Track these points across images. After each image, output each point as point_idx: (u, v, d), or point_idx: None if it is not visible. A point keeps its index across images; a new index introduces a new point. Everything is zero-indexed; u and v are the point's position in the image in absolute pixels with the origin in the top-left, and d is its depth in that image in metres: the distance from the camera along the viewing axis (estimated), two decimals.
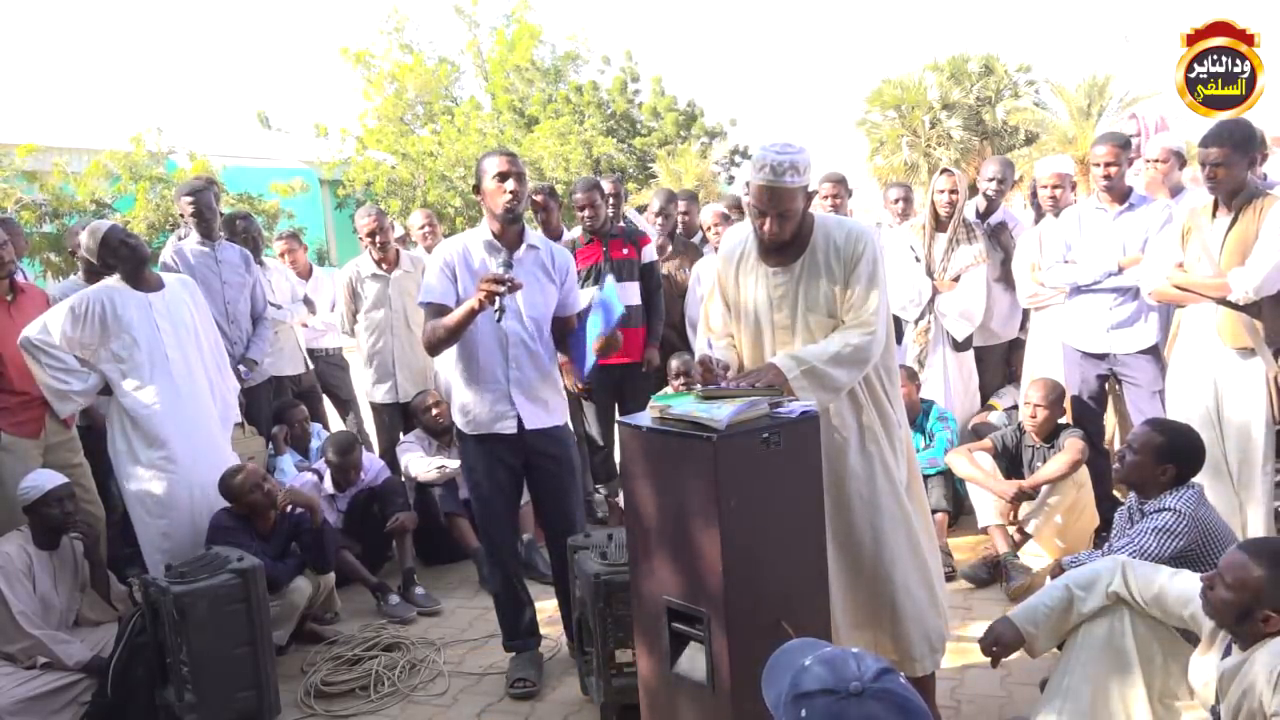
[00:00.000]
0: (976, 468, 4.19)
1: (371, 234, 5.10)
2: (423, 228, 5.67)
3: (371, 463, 4.79)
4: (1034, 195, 5.17)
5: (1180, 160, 4.84)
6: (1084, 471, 4.07)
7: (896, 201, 5.72)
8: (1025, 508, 4.11)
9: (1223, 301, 3.57)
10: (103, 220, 3.96)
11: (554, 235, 4.93)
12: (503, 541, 3.46)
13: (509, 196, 3.20)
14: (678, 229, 5.64)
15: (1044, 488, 4.03)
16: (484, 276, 3.06)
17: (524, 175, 3.25)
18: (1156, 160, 4.67)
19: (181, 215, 4.82)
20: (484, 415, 3.32)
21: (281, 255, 6.01)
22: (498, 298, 3.01)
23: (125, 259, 3.83)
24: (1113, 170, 4.13)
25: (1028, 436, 4.25)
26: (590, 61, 23.06)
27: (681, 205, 5.80)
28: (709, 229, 5.59)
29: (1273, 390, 3.59)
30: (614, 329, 3.23)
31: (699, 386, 2.52)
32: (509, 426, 3.31)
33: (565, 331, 3.47)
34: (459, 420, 3.40)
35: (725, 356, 2.78)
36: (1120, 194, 4.19)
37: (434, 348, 3.31)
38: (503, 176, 3.20)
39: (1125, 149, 4.18)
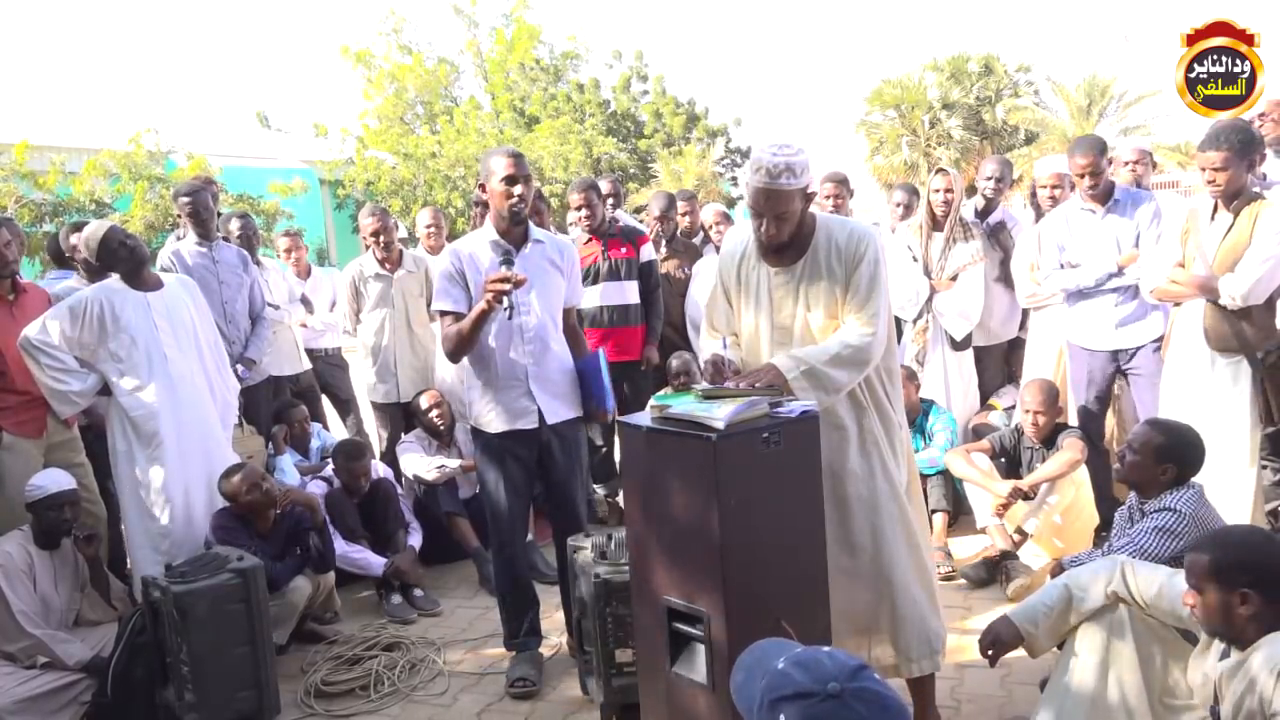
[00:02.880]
0: (974, 468, 4.19)
1: (375, 234, 5.10)
2: (429, 226, 5.66)
3: (374, 468, 4.78)
4: (1034, 195, 5.18)
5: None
6: (1082, 470, 4.07)
7: (898, 205, 5.73)
8: (1024, 508, 4.11)
9: (1215, 302, 3.59)
10: (102, 220, 3.95)
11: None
12: (513, 539, 3.47)
13: (515, 200, 3.22)
14: (678, 229, 5.64)
15: (1043, 487, 4.04)
16: (489, 277, 3.09)
17: (530, 178, 3.28)
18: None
19: (179, 216, 4.82)
20: (505, 412, 3.33)
21: (287, 252, 6.01)
22: (505, 296, 3.04)
23: (124, 259, 3.83)
24: (1095, 178, 4.14)
25: (1026, 438, 4.25)
26: (590, 61, 23.09)
27: (683, 205, 5.80)
28: (710, 227, 5.59)
29: (1259, 391, 3.61)
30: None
31: (699, 386, 2.52)
32: (530, 422, 3.33)
33: (573, 337, 3.51)
34: (478, 419, 3.40)
35: (735, 357, 2.78)
36: (1104, 194, 4.19)
37: (454, 354, 3.34)
38: (510, 180, 3.22)
39: (1102, 153, 4.18)
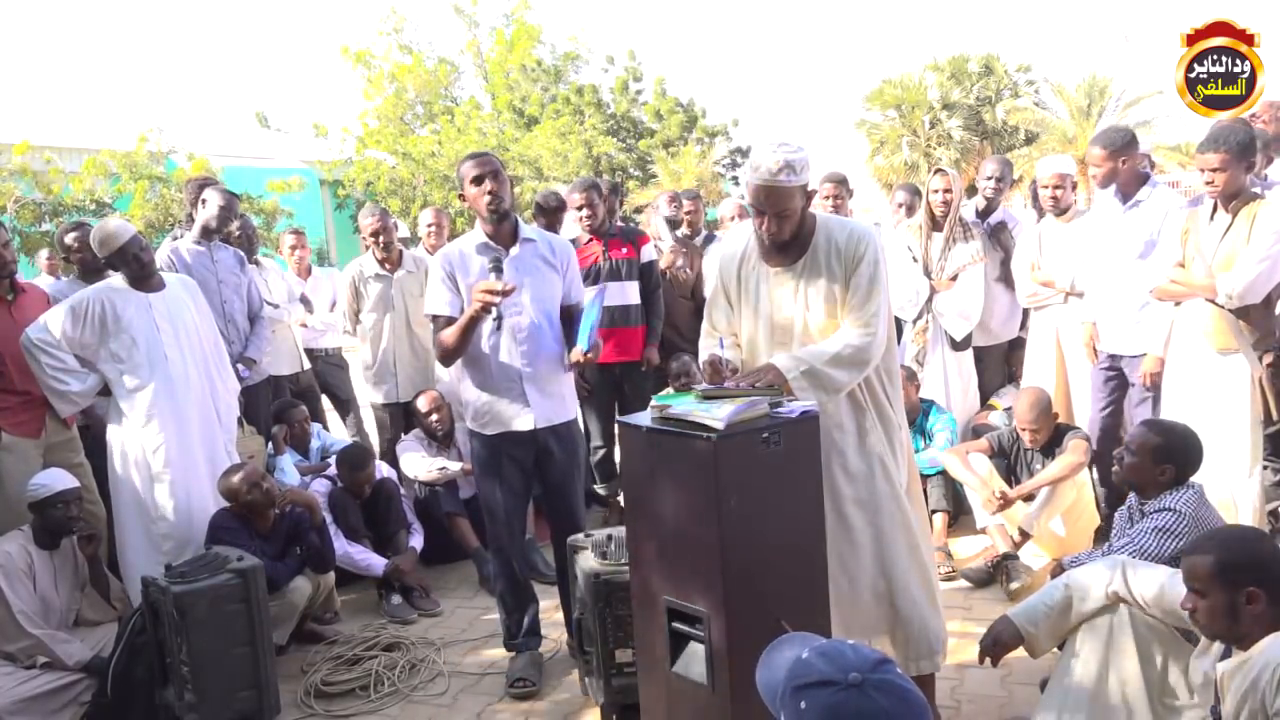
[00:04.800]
0: (970, 472, 4.19)
1: (375, 234, 5.10)
2: (430, 226, 5.66)
3: (377, 469, 4.77)
4: (1034, 195, 5.17)
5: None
6: (1084, 472, 4.07)
7: (900, 206, 5.72)
8: (1024, 508, 4.11)
9: (1213, 301, 3.59)
10: (126, 224, 3.92)
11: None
12: (511, 540, 3.46)
13: (489, 198, 3.24)
14: (680, 227, 5.65)
15: (1044, 488, 4.03)
16: (476, 286, 3.09)
17: (500, 173, 3.29)
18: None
19: (203, 202, 4.75)
20: (500, 413, 3.33)
21: (292, 249, 6.02)
22: (493, 307, 3.04)
23: (132, 270, 3.83)
24: (1100, 175, 4.12)
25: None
26: (591, 62, 23.11)
27: (687, 204, 5.81)
28: (730, 219, 5.59)
29: (1258, 391, 3.61)
30: (593, 342, 3.24)
31: (699, 386, 2.52)
32: (526, 423, 3.32)
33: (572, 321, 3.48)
34: (474, 421, 3.40)
35: (733, 357, 2.78)
36: (1130, 185, 4.13)
37: (446, 359, 3.36)
38: (478, 180, 3.25)
39: (1110, 148, 4.10)
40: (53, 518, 3.56)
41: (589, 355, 3.23)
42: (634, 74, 22.82)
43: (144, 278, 3.86)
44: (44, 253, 8.88)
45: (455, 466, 4.80)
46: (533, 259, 3.35)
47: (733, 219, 5.59)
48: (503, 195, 3.27)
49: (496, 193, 3.25)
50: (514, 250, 3.32)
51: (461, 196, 3.35)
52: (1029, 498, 4.08)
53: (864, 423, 2.75)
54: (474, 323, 3.16)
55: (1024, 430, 4.15)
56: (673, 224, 5.56)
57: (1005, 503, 4.04)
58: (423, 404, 4.92)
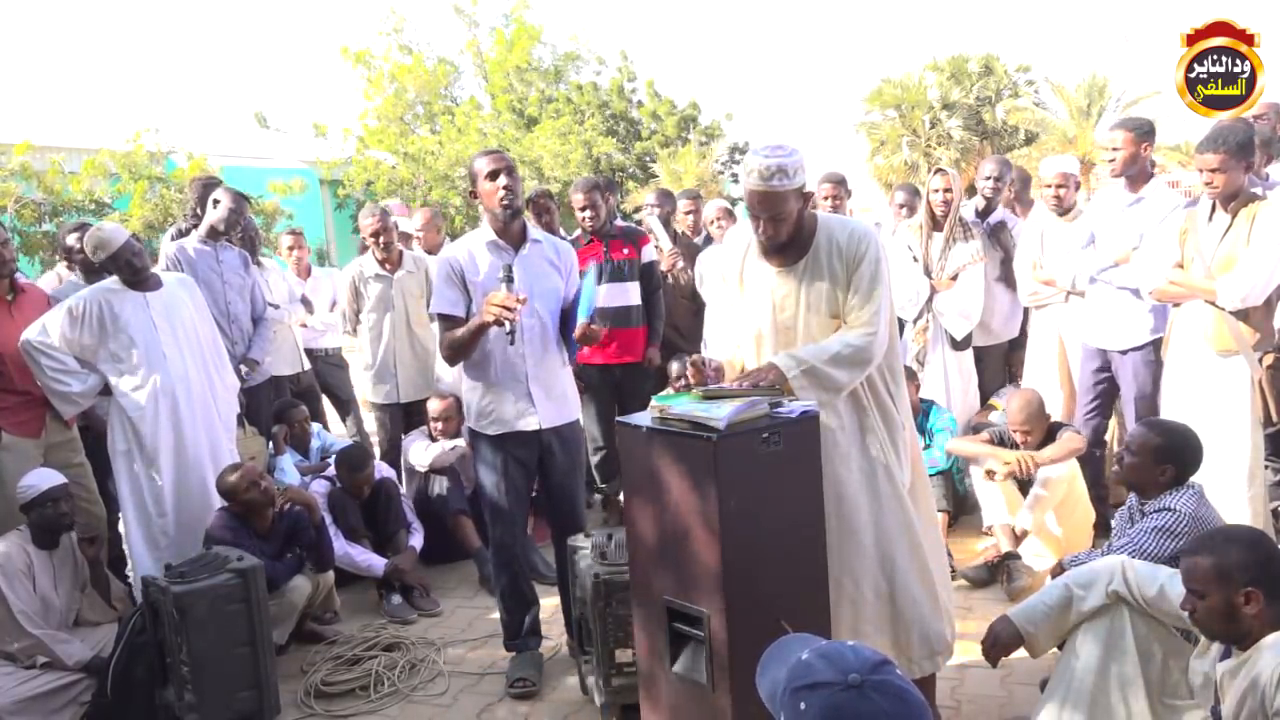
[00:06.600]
0: (978, 443, 4.22)
1: (375, 234, 5.10)
2: (419, 230, 5.68)
3: (377, 469, 4.79)
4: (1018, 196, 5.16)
5: None
6: (1074, 464, 4.07)
7: (900, 207, 5.73)
8: (1020, 504, 4.11)
9: (1213, 303, 3.59)
10: (120, 228, 3.92)
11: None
12: (513, 540, 3.46)
13: (503, 193, 3.24)
14: (671, 219, 5.65)
15: (1037, 482, 4.03)
16: (490, 299, 3.07)
17: (514, 170, 3.30)
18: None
19: (214, 202, 4.74)
20: (505, 414, 3.33)
21: (290, 250, 6.03)
22: (508, 321, 3.04)
23: (125, 274, 3.84)
24: (1116, 160, 4.10)
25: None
26: (589, 62, 23.13)
27: (687, 204, 5.80)
28: (712, 223, 5.59)
29: (1258, 393, 3.61)
30: (588, 321, 3.26)
31: (699, 387, 2.52)
32: (531, 423, 3.32)
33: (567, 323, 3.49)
34: (477, 421, 3.40)
35: (719, 358, 2.78)
36: (1136, 180, 4.11)
37: (451, 360, 3.37)
38: (494, 175, 3.25)
39: (1134, 132, 4.08)
40: (45, 516, 3.56)
41: (592, 325, 3.25)
42: (628, 74, 22.82)
43: (138, 281, 3.87)
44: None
45: (464, 444, 4.79)
46: (539, 260, 3.36)
47: (714, 222, 5.59)
48: (517, 191, 3.28)
49: (511, 188, 3.25)
50: (523, 250, 3.32)
51: (472, 194, 3.35)
52: (1026, 484, 4.08)
53: (866, 422, 2.74)
54: (483, 329, 3.16)
55: (1016, 431, 4.15)
56: (663, 222, 5.57)
57: (1014, 471, 4.03)
58: (433, 407, 4.93)
